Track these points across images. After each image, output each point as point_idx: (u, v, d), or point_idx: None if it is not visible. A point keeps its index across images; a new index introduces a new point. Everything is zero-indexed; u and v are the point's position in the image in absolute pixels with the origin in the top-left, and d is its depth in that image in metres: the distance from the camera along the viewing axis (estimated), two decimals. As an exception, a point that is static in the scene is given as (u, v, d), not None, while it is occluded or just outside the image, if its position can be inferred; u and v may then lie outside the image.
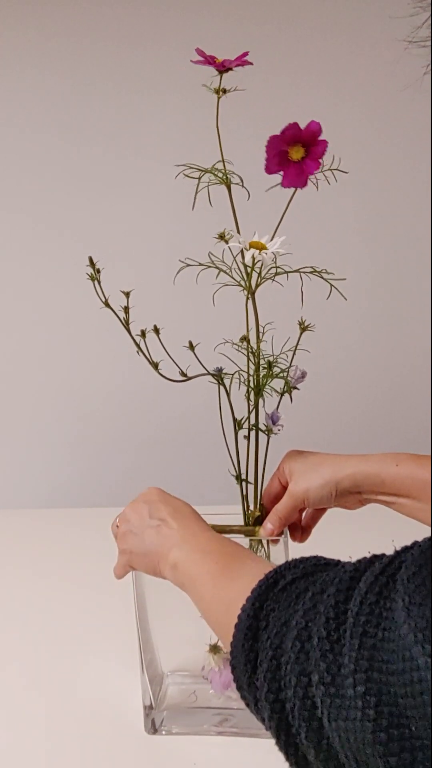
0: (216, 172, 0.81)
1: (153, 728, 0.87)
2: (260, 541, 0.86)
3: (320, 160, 0.77)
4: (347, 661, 0.44)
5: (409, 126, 1.66)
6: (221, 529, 0.87)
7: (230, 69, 0.80)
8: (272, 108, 1.46)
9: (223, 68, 0.80)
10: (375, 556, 0.50)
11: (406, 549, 0.48)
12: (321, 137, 0.77)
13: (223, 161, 0.82)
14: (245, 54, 0.80)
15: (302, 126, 0.78)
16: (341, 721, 0.43)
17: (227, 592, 0.61)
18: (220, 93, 0.81)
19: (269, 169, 0.78)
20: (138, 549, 0.76)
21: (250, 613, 0.54)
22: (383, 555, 0.50)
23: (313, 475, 0.82)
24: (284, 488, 0.86)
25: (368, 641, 0.43)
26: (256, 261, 0.80)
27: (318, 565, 0.56)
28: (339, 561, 0.56)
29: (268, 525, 0.84)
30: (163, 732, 0.87)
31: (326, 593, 0.49)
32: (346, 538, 1.16)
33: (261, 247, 0.80)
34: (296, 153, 0.78)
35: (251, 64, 0.80)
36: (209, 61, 0.80)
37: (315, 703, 0.46)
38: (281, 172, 0.79)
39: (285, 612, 0.52)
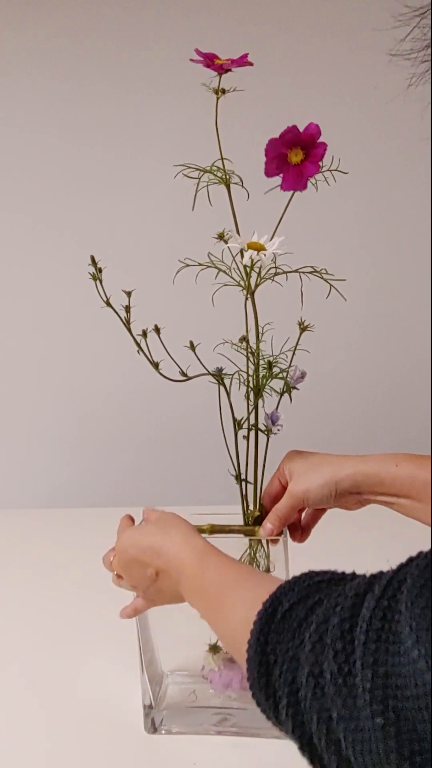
0: (215, 172, 0.81)
1: (153, 728, 0.87)
2: (260, 541, 0.87)
3: (320, 163, 0.77)
4: (361, 692, 0.44)
5: (408, 125, 1.66)
6: (221, 529, 0.87)
7: (229, 70, 0.80)
8: (272, 108, 1.46)
9: (222, 69, 0.80)
10: (373, 576, 0.50)
11: (402, 567, 0.48)
12: (320, 139, 0.77)
13: (222, 161, 0.82)
14: (246, 55, 0.80)
15: (301, 127, 0.78)
16: (366, 755, 0.44)
17: (228, 624, 0.62)
18: (219, 93, 0.81)
19: (268, 173, 0.78)
20: (164, 599, 0.78)
21: (257, 649, 0.54)
22: (381, 574, 0.49)
23: (312, 475, 0.82)
24: (284, 488, 0.86)
25: (380, 669, 0.43)
26: (254, 262, 0.80)
27: (311, 585, 0.55)
28: (333, 574, 0.56)
29: (268, 525, 0.84)
30: (163, 731, 0.87)
31: (330, 623, 0.49)
32: (346, 538, 1.16)
33: (259, 248, 0.80)
34: (295, 156, 0.78)
35: (251, 64, 0.80)
36: (208, 61, 0.80)
37: (339, 738, 0.46)
38: (281, 175, 0.79)
39: (291, 643, 0.51)
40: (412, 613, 0.43)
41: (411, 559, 0.47)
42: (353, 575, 0.54)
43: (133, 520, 0.85)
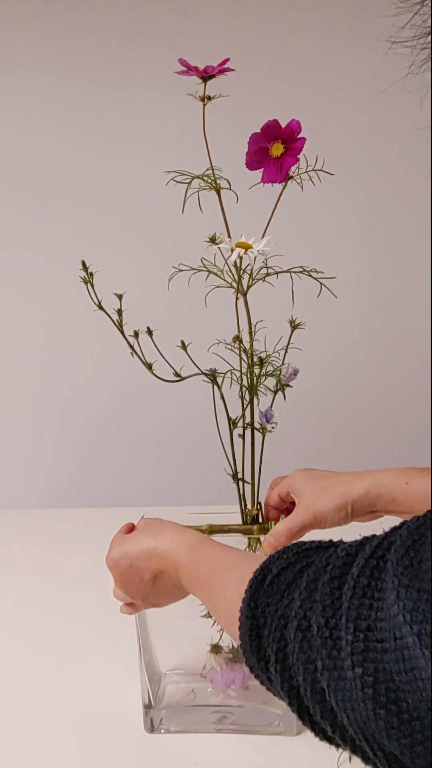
0: (205, 178, 0.82)
1: (152, 727, 0.88)
2: (259, 540, 0.87)
3: (298, 156, 0.79)
4: (344, 644, 0.46)
5: (404, 116, 1.66)
6: (219, 529, 0.87)
7: (213, 76, 0.81)
8: (268, 103, 1.46)
9: (206, 75, 0.81)
10: (366, 539, 0.52)
11: (394, 529, 0.50)
12: (302, 134, 0.79)
13: (212, 167, 0.82)
14: (226, 60, 0.81)
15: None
16: (347, 702, 0.46)
17: (223, 604, 0.63)
18: (206, 100, 0.82)
19: (250, 165, 0.81)
20: (165, 601, 0.79)
21: (248, 614, 0.56)
22: (374, 536, 0.51)
23: (325, 497, 0.81)
24: (283, 501, 0.86)
25: (362, 623, 0.46)
26: (242, 260, 0.81)
27: (300, 552, 0.57)
28: (320, 543, 0.58)
29: (272, 540, 0.82)
30: (162, 731, 0.88)
31: (320, 581, 0.51)
32: (344, 535, 1.17)
33: (247, 247, 0.81)
34: (276, 149, 0.80)
35: (233, 70, 0.81)
36: (193, 70, 0.82)
37: (323, 687, 0.48)
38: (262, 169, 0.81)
39: (279, 604, 0.54)
40: (396, 571, 0.45)
41: (403, 523, 0.50)
42: (341, 542, 0.56)
43: (131, 529, 0.84)
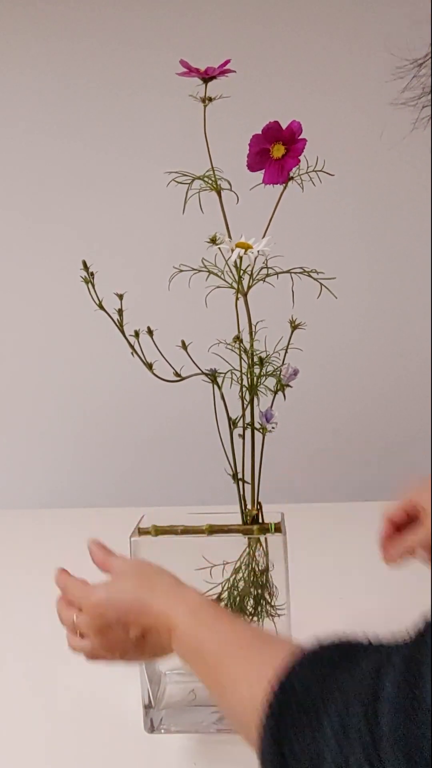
0: (206, 179, 0.82)
1: (152, 727, 0.88)
2: (259, 540, 0.87)
3: (299, 157, 0.79)
4: None
5: (404, 123, 1.66)
6: (219, 529, 0.87)
7: (214, 78, 0.81)
8: (268, 111, 1.46)
9: (207, 76, 0.81)
10: (391, 649, 0.48)
11: (420, 636, 0.46)
12: (302, 136, 0.79)
13: (212, 168, 0.83)
14: (227, 62, 0.81)
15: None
16: None
17: (231, 700, 0.58)
18: (206, 102, 0.82)
19: (251, 167, 0.81)
20: (145, 658, 0.72)
21: (274, 750, 0.50)
22: (397, 647, 0.48)
23: None
24: (409, 516, 0.86)
25: (407, 749, 0.43)
26: (243, 260, 0.81)
27: (323, 663, 0.52)
28: (343, 649, 0.52)
29: (393, 553, 0.80)
30: (162, 731, 0.88)
31: (351, 708, 0.47)
32: (344, 534, 1.17)
33: (246, 248, 0.81)
34: (277, 151, 0.80)
35: (234, 72, 0.81)
36: (194, 71, 0.82)
37: None
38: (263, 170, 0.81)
39: (307, 734, 0.48)
40: None
41: (430, 625, 0.46)
42: (367, 645, 0.51)
43: (107, 553, 0.78)
